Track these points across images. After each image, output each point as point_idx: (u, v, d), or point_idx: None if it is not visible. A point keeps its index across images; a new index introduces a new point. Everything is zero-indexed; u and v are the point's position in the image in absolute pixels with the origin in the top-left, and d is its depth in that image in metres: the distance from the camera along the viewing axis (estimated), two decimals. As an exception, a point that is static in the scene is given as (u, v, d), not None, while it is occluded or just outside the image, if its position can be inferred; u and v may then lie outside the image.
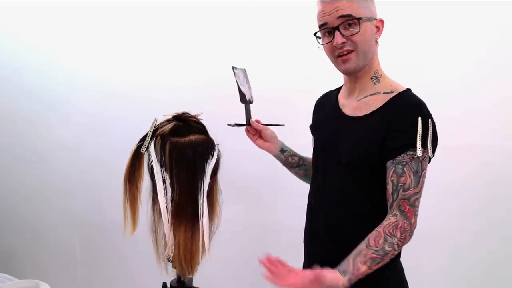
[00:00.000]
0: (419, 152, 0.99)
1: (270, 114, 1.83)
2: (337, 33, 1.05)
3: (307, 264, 1.21)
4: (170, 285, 1.02)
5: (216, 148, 0.97)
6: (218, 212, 1.01)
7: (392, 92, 1.08)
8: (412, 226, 1.01)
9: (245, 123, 1.30)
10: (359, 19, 1.04)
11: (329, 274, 0.92)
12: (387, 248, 0.97)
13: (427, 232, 1.87)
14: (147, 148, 0.94)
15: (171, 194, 0.92)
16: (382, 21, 1.11)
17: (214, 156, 0.96)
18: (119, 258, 2.00)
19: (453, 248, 1.87)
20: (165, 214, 0.92)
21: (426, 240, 1.88)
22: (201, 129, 0.99)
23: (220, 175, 1.05)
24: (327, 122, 1.19)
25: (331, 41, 1.07)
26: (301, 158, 1.36)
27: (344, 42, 1.05)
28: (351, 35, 1.04)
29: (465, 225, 1.86)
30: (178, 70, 1.91)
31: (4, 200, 2.03)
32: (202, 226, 0.93)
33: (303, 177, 1.37)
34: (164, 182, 0.92)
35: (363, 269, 0.95)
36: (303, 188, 1.89)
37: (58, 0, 1.91)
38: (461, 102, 1.80)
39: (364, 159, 1.06)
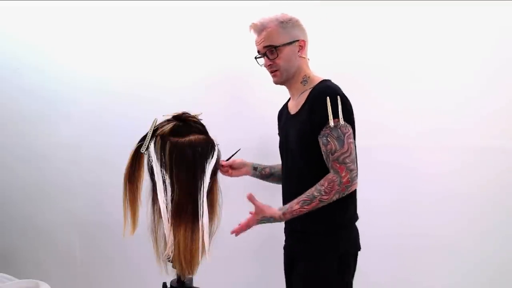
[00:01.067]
0: (331, 123, 1.25)
1: (270, 114, 1.83)
2: (265, 58, 1.41)
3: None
4: (170, 285, 1.02)
5: (216, 148, 0.97)
6: (218, 212, 1.01)
7: (312, 87, 1.37)
8: (343, 178, 1.25)
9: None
10: (276, 47, 1.37)
11: (268, 210, 1.26)
12: (315, 193, 1.25)
13: (440, 238, 1.87)
14: (147, 148, 0.94)
15: (171, 194, 0.92)
16: (303, 41, 1.41)
17: (214, 156, 0.96)
18: (119, 258, 2.00)
19: (452, 248, 1.87)
20: (165, 214, 0.92)
21: (435, 245, 1.88)
22: (201, 129, 0.99)
23: (220, 175, 1.05)
24: (283, 124, 1.49)
25: (264, 63, 1.42)
26: (271, 167, 1.59)
27: (270, 64, 1.40)
28: (273, 59, 1.38)
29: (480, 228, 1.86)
30: (178, 70, 1.91)
31: (4, 199, 2.03)
32: (202, 226, 0.93)
33: (278, 181, 1.55)
34: (164, 182, 0.92)
35: (296, 207, 1.25)
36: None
37: (58, 0, 1.91)
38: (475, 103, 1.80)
39: (304, 143, 1.33)
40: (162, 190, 0.92)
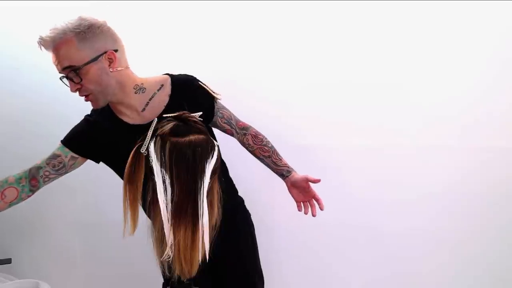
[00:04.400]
0: (218, 96, 1.29)
1: (270, 114, 1.83)
2: (69, 81, 1.14)
3: None
4: (170, 285, 1.02)
5: (216, 148, 0.97)
6: (218, 212, 1.01)
7: (162, 85, 1.22)
8: (255, 128, 1.41)
9: None
10: (77, 69, 1.10)
11: (296, 176, 1.37)
12: (279, 155, 1.41)
13: (432, 234, 1.87)
14: (147, 148, 0.94)
15: (171, 194, 0.92)
16: (112, 53, 1.14)
17: (214, 156, 0.96)
18: (119, 258, 2.00)
19: (454, 248, 1.87)
20: (165, 214, 0.92)
21: (428, 241, 1.88)
22: (201, 129, 0.99)
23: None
24: (125, 143, 1.06)
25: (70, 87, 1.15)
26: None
27: (78, 89, 1.14)
28: (79, 83, 1.12)
29: (471, 225, 1.86)
30: (179, 70, 1.91)
31: (4, 200, 2.02)
32: (202, 226, 0.93)
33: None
34: (164, 182, 0.92)
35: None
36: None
37: (58, 0, 1.91)
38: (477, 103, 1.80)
39: None
40: (162, 190, 0.92)
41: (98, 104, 1.18)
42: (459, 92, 1.80)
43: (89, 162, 2.00)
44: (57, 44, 1.11)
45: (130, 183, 0.96)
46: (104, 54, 1.13)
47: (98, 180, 1.99)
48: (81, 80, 1.11)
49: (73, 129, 1.33)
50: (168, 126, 0.95)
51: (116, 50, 1.15)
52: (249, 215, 1.45)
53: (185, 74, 1.28)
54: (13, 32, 1.94)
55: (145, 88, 1.20)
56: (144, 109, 1.19)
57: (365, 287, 1.93)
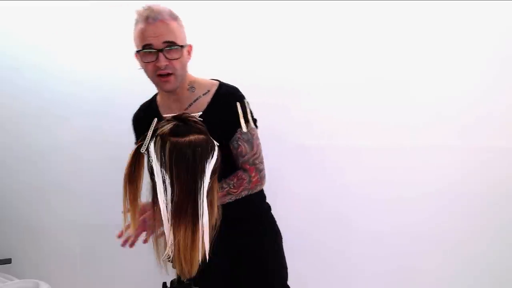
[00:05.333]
0: (244, 128, 1.26)
1: (271, 114, 1.83)
2: (161, 55, 1.18)
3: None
4: (170, 285, 1.02)
5: (216, 148, 0.97)
6: (218, 212, 1.01)
7: (208, 91, 1.30)
8: (252, 178, 1.29)
9: None
10: (181, 46, 1.20)
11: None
12: (224, 185, 1.24)
13: (430, 233, 1.87)
14: (147, 148, 0.94)
15: (171, 194, 0.92)
16: (191, 46, 1.28)
17: (214, 156, 0.96)
18: (119, 258, 2.00)
19: (453, 247, 1.87)
20: (165, 214, 0.92)
21: (427, 240, 1.88)
22: (201, 129, 0.99)
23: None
24: None
25: (153, 61, 1.20)
26: None
27: (167, 64, 1.19)
28: (172, 60, 1.20)
29: (469, 225, 1.86)
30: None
31: (3, 200, 2.03)
32: (202, 226, 0.93)
33: None
34: (164, 182, 0.92)
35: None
36: (302, 189, 1.89)
37: (58, 0, 1.91)
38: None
39: None
40: (162, 190, 0.92)
41: (172, 86, 1.25)
42: (459, 92, 1.80)
43: (89, 163, 2.00)
44: (166, 18, 1.18)
45: (130, 183, 0.95)
46: (188, 45, 1.26)
47: (98, 180, 1.99)
48: (179, 57, 1.20)
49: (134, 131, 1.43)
50: (168, 126, 0.95)
51: None
52: (275, 222, 1.46)
53: (234, 88, 1.32)
54: (13, 32, 1.94)
55: (194, 88, 1.30)
56: (187, 108, 1.29)
57: (365, 285, 1.93)
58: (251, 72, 1.84)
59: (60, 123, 1.99)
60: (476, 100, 1.79)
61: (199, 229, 0.93)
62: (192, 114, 1.01)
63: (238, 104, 1.28)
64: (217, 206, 1.01)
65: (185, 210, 0.92)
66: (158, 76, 1.22)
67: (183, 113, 0.99)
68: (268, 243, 1.42)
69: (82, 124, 1.98)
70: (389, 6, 1.78)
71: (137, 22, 1.21)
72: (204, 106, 1.27)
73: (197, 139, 0.94)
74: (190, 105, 1.29)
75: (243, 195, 1.29)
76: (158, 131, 0.95)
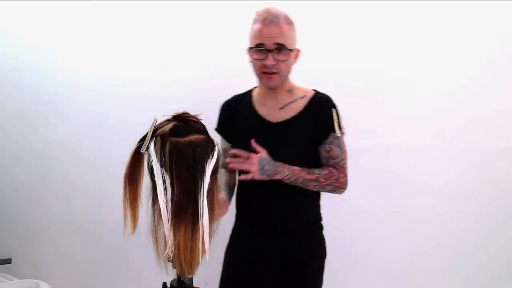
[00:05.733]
0: (338, 133, 1.36)
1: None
2: (270, 55, 1.28)
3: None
4: (170, 285, 1.02)
5: (216, 148, 0.97)
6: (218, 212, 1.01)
7: (305, 96, 1.39)
8: (341, 178, 1.36)
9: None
10: (290, 50, 1.30)
11: (267, 158, 1.28)
12: (316, 171, 1.33)
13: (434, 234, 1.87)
14: (147, 148, 0.94)
15: (171, 194, 0.92)
16: (299, 51, 1.36)
17: (214, 156, 0.95)
18: (119, 258, 2.00)
19: (455, 247, 1.87)
20: (165, 214, 0.92)
21: (431, 241, 1.88)
22: (201, 129, 0.98)
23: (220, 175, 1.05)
24: (253, 130, 1.39)
25: (262, 59, 1.30)
26: (227, 194, 1.47)
27: (274, 64, 1.29)
28: (280, 61, 1.29)
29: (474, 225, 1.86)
30: (179, 70, 1.91)
31: (3, 200, 2.03)
32: (202, 226, 0.93)
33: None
34: (164, 182, 0.92)
35: (296, 169, 1.30)
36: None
37: (58, 0, 1.91)
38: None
39: (303, 148, 1.37)
40: (162, 190, 0.91)
41: (275, 84, 1.34)
42: (458, 92, 1.80)
43: (89, 163, 2.00)
44: (281, 22, 1.28)
45: (130, 183, 0.95)
46: (296, 50, 1.35)
47: (98, 180, 1.99)
48: (286, 59, 1.30)
49: (218, 118, 1.52)
50: (168, 126, 0.95)
51: None
52: (325, 242, 1.49)
53: (328, 96, 1.40)
54: (13, 32, 1.94)
55: (292, 91, 1.39)
56: (282, 108, 1.38)
57: (365, 285, 1.93)
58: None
59: (60, 123, 1.99)
60: (476, 101, 1.79)
61: (199, 229, 0.93)
62: (192, 114, 1.01)
63: (334, 111, 1.36)
64: (218, 206, 1.01)
65: (185, 210, 0.92)
66: (264, 73, 1.32)
67: (183, 113, 0.99)
68: (314, 262, 1.46)
69: (82, 124, 1.99)
70: (387, 8, 1.78)
71: (254, 22, 1.32)
72: (300, 108, 1.37)
73: (197, 139, 0.94)
74: (285, 106, 1.38)
75: (326, 190, 1.37)
76: (158, 131, 0.95)
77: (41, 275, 1.81)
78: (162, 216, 0.92)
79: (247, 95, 1.48)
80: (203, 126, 1.00)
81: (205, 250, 0.94)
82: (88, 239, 2.03)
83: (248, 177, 1.26)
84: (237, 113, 1.46)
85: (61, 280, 1.99)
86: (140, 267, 1.76)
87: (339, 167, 1.37)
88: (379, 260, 1.89)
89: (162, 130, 0.94)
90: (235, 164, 1.26)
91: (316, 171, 1.33)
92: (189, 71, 1.90)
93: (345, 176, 1.38)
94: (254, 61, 1.34)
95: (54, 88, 1.96)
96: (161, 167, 0.92)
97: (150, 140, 0.94)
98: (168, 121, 0.98)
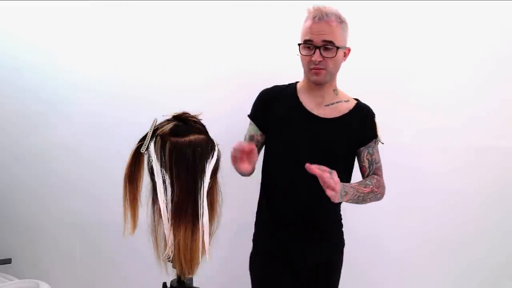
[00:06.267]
0: (381, 140, 1.45)
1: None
2: (317, 51, 1.30)
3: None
4: (170, 285, 1.02)
5: (216, 148, 0.97)
6: (218, 212, 1.01)
7: (348, 101, 1.45)
8: (383, 183, 1.44)
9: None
10: (337, 47, 1.31)
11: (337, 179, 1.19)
12: (367, 182, 1.37)
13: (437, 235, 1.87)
14: (147, 148, 0.94)
15: (171, 194, 0.92)
16: (349, 49, 1.40)
17: (214, 156, 0.96)
18: (119, 258, 2.00)
19: (454, 248, 1.87)
20: (165, 214, 0.92)
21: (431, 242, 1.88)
22: (201, 129, 0.99)
23: (220, 175, 1.05)
24: (296, 121, 1.41)
25: (310, 55, 1.32)
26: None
27: (320, 61, 1.31)
28: (327, 57, 1.31)
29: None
30: (179, 70, 1.91)
31: (3, 200, 2.03)
32: (202, 226, 0.93)
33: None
34: (164, 182, 0.92)
35: (351, 188, 1.29)
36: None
37: (58, 0, 1.91)
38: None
39: (344, 148, 1.42)
40: (162, 190, 0.92)
41: (321, 79, 1.36)
42: (458, 91, 1.80)
43: (89, 163, 2.00)
44: (331, 20, 1.30)
45: (130, 183, 0.95)
46: (346, 48, 1.38)
47: (98, 180, 1.99)
48: (333, 56, 1.31)
49: (254, 104, 1.52)
50: (168, 126, 0.95)
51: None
52: (342, 262, 1.56)
53: (368, 107, 1.48)
54: (13, 32, 1.94)
55: (338, 92, 1.44)
56: (327, 106, 1.41)
57: (365, 285, 1.93)
58: (251, 70, 1.84)
59: (60, 123, 1.99)
60: (475, 100, 1.79)
61: (199, 229, 0.93)
62: (192, 114, 1.01)
63: (375, 119, 1.45)
64: (218, 206, 1.01)
65: (185, 210, 0.92)
66: (311, 68, 1.34)
67: (183, 113, 0.99)
68: (339, 261, 1.54)
69: (82, 124, 1.98)
70: (390, 6, 1.78)
71: (306, 19, 1.35)
72: (345, 111, 1.42)
73: (197, 139, 0.94)
74: (330, 104, 1.42)
75: (377, 199, 1.42)
76: (158, 131, 0.95)
77: (41, 275, 1.81)
78: (162, 216, 0.92)
79: (290, 87, 1.49)
80: (203, 126, 1.00)
81: (205, 250, 0.94)
82: (88, 239, 2.02)
83: (331, 196, 1.18)
84: (278, 103, 1.46)
85: (61, 280, 1.99)
86: (140, 267, 1.76)
87: (380, 171, 1.45)
88: (379, 260, 1.89)
89: (162, 130, 0.94)
90: (327, 180, 1.16)
91: (367, 181, 1.38)
92: (189, 71, 1.90)
93: (383, 181, 1.44)
94: (302, 57, 1.36)
95: (54, 88, 1.96)
96: (161, 167, 0.92)
97: (150, 140, 0.94)
98: (168, 121, 0.98)
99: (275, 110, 1.45)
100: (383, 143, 1.45)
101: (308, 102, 1.43)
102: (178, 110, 1.00)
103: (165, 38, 1.90)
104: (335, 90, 1.43)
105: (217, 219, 1.01)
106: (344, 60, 1.39)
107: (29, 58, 1.95)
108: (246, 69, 1.83)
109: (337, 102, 1.42)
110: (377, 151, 1.45)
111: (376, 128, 1.44)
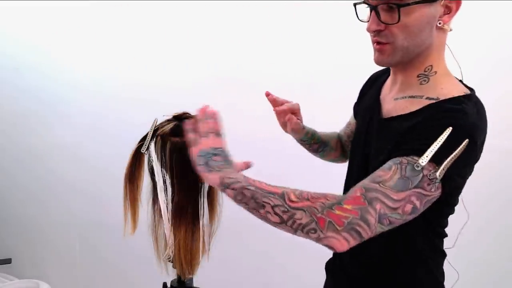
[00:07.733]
0: (422, 160, 0.72)
1: (272, 115, 1.82)
2: (372, 16, 0.82)
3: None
4: (170, 285, 1.02)
5: (216, 148, 0.97)
6: (218, 212, 1.01)
7: (437, 98, 0.82)
8: (337, 208, 0.72)
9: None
10: (399, 6, 0.77)
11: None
12: (290, 196, 0.76)
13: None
14: (148, 148, 0.94)
15: (172, 194, 0.92)
16: (459, 2, 0.82)
17: (214, 156, 0.95)
18: (119, 258, 2.00)
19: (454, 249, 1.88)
20: (166, 214, 0.92)
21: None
22: (202, 129, 0.98)
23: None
24: (365, 116, 1.00)
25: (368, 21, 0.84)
26: (321, 144, 1.21)
27: (379, 30, 0.82)
28: (388, 24, 0.80)
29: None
30: (179, 70, 1.92)
31: (3, 200, 2.03)
32: (202, 226, 0.93)
33: (333, 159, 1.28)
34: (164, 182, 0.92)
35: (246, 179, 0.81)
36: (304, 188, 1.89)
37: (58, 0, 1.91)
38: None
39: (376, 163, 0.82)
40: (163, 190, 0.92)
41: (385, 60, 0.86)
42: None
43: (89, 163, 2.00)
44: None
45: (130, 183, 0.96)
46: (429, 3, 0.79)
47: (98, 181, 1.99)
48: (397, 21, 0.78)
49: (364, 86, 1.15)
50: (168, 126, 0.95)
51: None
52: None
53: (456, 112, 0.79)
54: (13, 32, 1.94)
55: (428, 81, 0.86)
56: (397, 99, 0.89)
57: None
58: (251, 70, 1.84)
59: (59, 123, 1.99)
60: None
61: (199, 229, 0.93)
62: (192, 114, 1.01)
63: (450, 129, 0.72)
64: (218, 206, 1.01)
65: (185, 210, 0.92)
66: (374, 43, 0.86)
67: (184, 113, 0.99)
68: None
69: (81, 124, 1.99)
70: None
71: None
72: (409, 110, 0.85)
73: (198, 139, 0.94)
74: (404, 98, 0.88)
75: (300, 226, 0.93)
76: (159, 131, 0.95)
77: (41, 275, 1.81)
78: (163, 216, 0.92)
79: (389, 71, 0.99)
80: (203, 126, 1.00)
81: (206, 250, 0.94)
82: (88, 239, 2.03)
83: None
84: (369, 88, 1.08)
85: (61, 280, 1.99)
86: (140, 267, 1.76)
87: (363, 196, 0.72)
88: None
89: (163, 130, 0.95)
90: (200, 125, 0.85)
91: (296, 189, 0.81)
92: (189, 71, 1.90)
93: (374, 222, 0.72)
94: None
95: (54, 88, 1.96)
96: (161, 167, 0.92)
97: (151, 140, 0.94)
98: (169, 121, 0.98)
99: (365, 97, 1.07)
100: (422, 167, 0.74)
101: (386, 91, 0.96)
102: (178, 110, 1.00)
103: (165, 38, 1.90)
104: (422, 76, 0.86)
105: (217, 219, 1.01)
106: (445, 20, 0.83)
107: (29, 58, 1.96)
108: (246, 69, 1.83)
109: (411, 97, 0.86)
110: (402, 175, 0.73)
111: (433, 141, 0.74)
